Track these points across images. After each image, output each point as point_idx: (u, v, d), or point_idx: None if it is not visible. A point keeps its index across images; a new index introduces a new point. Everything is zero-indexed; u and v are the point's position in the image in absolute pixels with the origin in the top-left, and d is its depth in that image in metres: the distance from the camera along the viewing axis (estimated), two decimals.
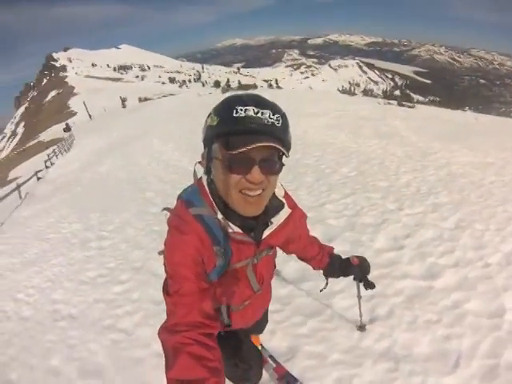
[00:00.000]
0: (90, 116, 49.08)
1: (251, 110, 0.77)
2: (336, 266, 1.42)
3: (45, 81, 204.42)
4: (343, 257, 1.47)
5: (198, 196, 0.93)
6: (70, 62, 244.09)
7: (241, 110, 0.77)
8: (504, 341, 1.95)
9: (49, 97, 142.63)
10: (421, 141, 6.79)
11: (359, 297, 1.88)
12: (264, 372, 1.63)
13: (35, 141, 53.91)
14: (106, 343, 2.58)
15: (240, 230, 0.92)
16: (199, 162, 0.96)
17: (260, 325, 1.62)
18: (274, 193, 0.97)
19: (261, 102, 0.81)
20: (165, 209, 1.08)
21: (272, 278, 1.31)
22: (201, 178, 0.97)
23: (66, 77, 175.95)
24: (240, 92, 0.89)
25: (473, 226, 3.25)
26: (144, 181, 7.07)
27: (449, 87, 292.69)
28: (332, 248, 1.45)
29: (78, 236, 5.04)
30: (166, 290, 0.90)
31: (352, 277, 1.57)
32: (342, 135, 7.64)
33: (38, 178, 13.22)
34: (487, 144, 6.52)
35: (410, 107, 20.91)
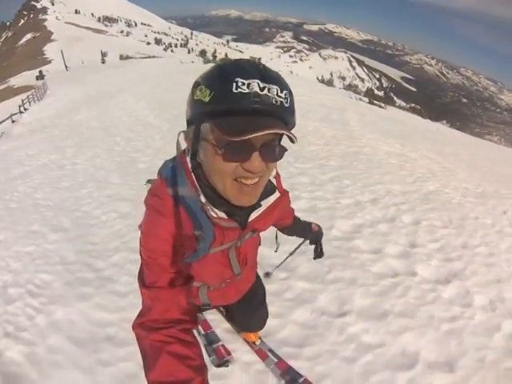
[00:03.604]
0: (66, 67, 47.02)
1: (256, 85, 0.60)
2: (297, 229, 1.39)
3: (22, 22, 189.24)
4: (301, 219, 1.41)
5: (181, 174, 0.79)
6: (53, 4, 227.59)
7: (242, 83, 0.60)
8: (324, 243, 2.84)
9: (23, 40, 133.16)
10: (360, 131, 7.21)
11: (291, 253, 1.80)
12: (266, 368, 1.71)
13: (4, 85, 51.29)
14: (71, 217, 3.75)
15: (225, 216, 0.81)
16: (183, 132, 0.79)
17: (259, 320, 1.62)
18: None
19: (267, 75, 0.63)
20: (149, 181, 1.03)
21: (257, 255, 1.25)
22: (185, 151, 0.81)
23: (45, 20, 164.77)
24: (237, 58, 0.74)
25: (342, 181, 4.06)
26: (115, 128, 8.15)
27: (432, 99, 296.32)
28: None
29: (56, 163, 6.12)
30: (142, 281, 0.83)
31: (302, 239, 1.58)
32: None
33: (13, 121, 13.70)
34: (426, 146, 6.84)
35: (380, 107, 22.02)
